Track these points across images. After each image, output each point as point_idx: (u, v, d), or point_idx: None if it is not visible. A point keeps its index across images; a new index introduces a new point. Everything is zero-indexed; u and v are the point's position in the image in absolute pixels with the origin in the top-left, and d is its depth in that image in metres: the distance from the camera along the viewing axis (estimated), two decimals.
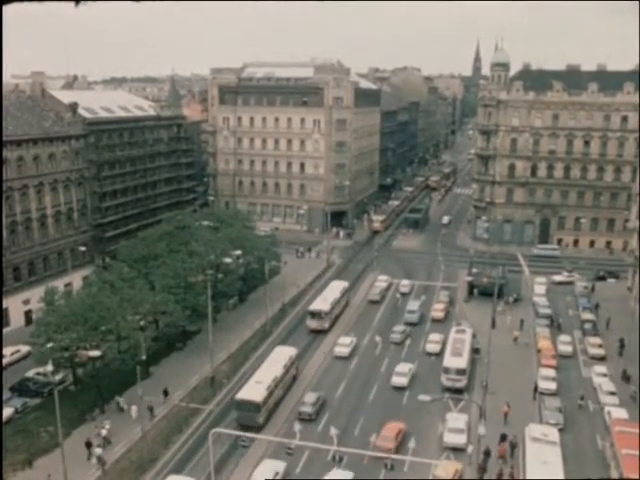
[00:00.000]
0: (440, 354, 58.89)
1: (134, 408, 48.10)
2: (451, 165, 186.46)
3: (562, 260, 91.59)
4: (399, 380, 54.63)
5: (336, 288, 73.28)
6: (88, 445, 44.14)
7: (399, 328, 65.79)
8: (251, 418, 47.08)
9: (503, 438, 44.68)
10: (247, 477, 40.78)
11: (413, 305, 72.15)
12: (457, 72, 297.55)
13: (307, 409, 49.07)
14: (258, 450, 44.39)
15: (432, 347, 61.42)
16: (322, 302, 68.67)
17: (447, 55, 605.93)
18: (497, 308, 68.19)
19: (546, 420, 47.18)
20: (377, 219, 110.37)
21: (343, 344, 61.91)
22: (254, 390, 48.35)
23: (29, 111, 73.78)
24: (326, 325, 67.07)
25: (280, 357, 54.67)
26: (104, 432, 45.65)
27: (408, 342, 64.35)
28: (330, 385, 55.38)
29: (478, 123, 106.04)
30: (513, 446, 43.85)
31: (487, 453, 42.21)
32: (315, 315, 67.05)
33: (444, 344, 60.45)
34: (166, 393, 52.16)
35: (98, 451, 43.43)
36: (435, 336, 63.15)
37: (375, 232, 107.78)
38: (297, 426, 45.87)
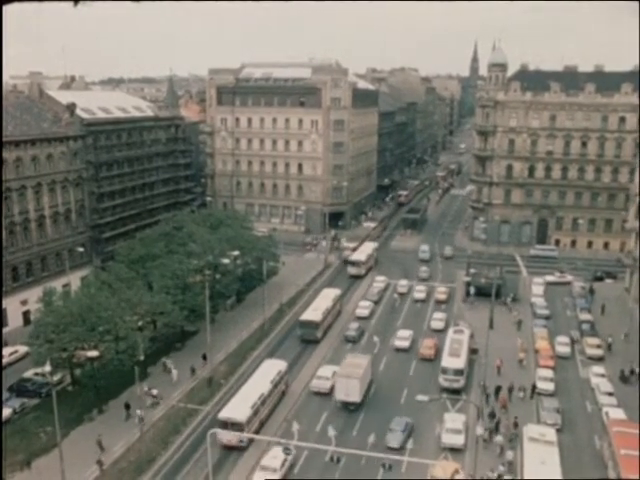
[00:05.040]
0: None
1: (175, 372, 54.92)
2: (456, 163, 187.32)
3: (560, 261, 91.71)
4: (419, 295, 77.23)
5: (369, 246, 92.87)
6: (127, 407, 48.27)
7: (423, 268, 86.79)
8: (312, 334, 63.91)
9: (498, 390, 51.43)
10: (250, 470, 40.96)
11: (424, 247, 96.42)
12: (455, 72, 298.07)
13: (352, 333, 65.24)
14: (258, 449, 44.53)
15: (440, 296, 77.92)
16: (360, 254, 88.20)
17: (445, 55, 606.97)
18: (519, 326, 67.29)
19: (544, 420, 47.32)
20: (349, 247, 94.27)
21: (364, 306, 73.46)
22: (313, 313, 65.38)
23: (27, 112, 73.72)
24: (363, 271, 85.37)
25: (328, 295, 71.03)
26: (155, 392, 50.93)
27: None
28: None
29: (476, 124, 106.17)
30: (510, 390, 51.57)
31: (488, 395, 50.49)
32: (354, 264, 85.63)
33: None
34: (204, 357, 57.41)
35: (139, 412, 46.94)
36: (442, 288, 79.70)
37: (346, 262, 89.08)
38: (295, 426, 46.04)
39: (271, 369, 52.44)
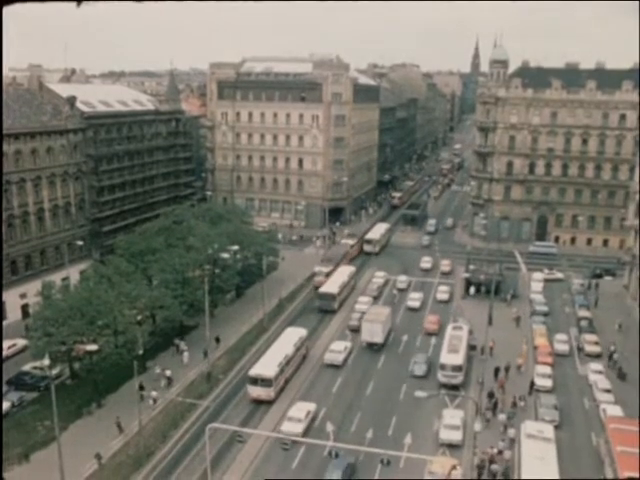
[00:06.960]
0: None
1: (186, 354, 57.63)
2: (458, 157, 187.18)
3: (559, 257, 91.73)
4: (425, 265, 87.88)
5: (381, 226, 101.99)
6: (141, 388, 48.97)
7: (426, 237, 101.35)
8: (329, 305, 70.44)
9: (497, 371, 53.61)
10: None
11: (432, 221, 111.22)
12: (456, 69, 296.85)
13: (354, 323, 66.56)
14: (258, 442, 44.61)
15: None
16: (373, 233, 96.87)
17: (446, 52, 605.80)
18: (518, 322, 67.68)
19: (542, 417, 47.38)
20: (321, 271, 78.60)
21: (363, 302, 74.60)
22: (331, 286, 72.08)
23: (27, 104, 73.50)
24: (377, 249, 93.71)
25: (344, 271, 77.78)
26: (168, 373, 53.19)
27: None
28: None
29: (477, 120, 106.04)
30: (507, 369, 54.28)
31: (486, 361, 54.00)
32: (369, 242, 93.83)
33: None
34: (218, 340, 60.37)
35: (154, 394, 49.64)
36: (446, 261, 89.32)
37: (317, 287, 75.56)
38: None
39: (293, 335, 57.99)
